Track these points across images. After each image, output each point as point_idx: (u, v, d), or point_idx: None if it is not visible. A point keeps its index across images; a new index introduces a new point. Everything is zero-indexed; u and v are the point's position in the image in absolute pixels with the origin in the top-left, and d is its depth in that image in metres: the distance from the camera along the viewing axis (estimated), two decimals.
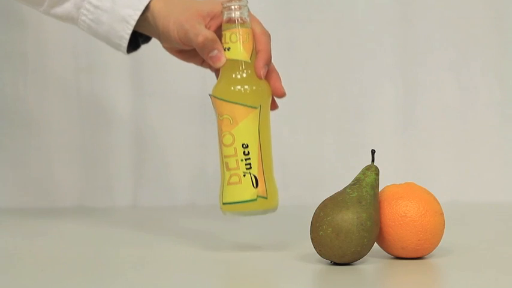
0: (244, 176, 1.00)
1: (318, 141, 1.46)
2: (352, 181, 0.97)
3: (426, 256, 0.99)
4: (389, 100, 1.46)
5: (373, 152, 0.98)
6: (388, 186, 1.00)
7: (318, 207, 0.96)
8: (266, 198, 1.00)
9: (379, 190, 0.99)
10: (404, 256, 0.98)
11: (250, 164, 1.00)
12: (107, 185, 1.46)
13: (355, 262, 0.96)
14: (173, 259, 1.02)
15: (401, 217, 0.96)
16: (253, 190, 1.00)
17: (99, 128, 1.46)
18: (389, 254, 0.99)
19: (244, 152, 1.00)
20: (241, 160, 1.00)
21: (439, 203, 0.99)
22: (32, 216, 1.36)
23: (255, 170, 1.00)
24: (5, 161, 1.45)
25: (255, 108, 1.00)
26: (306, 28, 1.46)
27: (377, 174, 0.97)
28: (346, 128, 1.46)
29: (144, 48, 1.12)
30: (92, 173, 1.46)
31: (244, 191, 1.00)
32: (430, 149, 1.46)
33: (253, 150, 1.00)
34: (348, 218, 0.93)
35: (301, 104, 1.46)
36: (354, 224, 0.93)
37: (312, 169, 1.46)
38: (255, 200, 1.00)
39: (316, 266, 0.95)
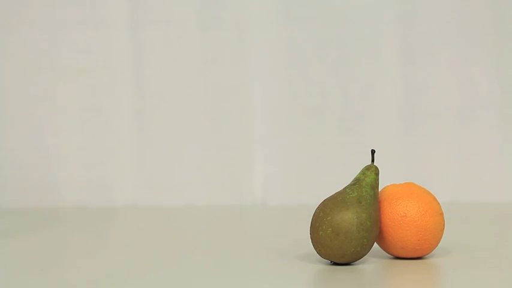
0: None
1: (318, 141, 1.46)
2: (352, 181, 0.97)
3: (426, 256, 0.99)
4: (390, 100, 1.46)
5: (373, 152, 0.99)
6: (388, 186, 1.00)
7: (317, 207, 0.96)
8: None
9: (379, 190, 0.99)
10: (404, 256, 0.98)
11: None
12: (107, 185, 1.46)
13: (355, 262, 0.96)
14: (173, 260, 1.02)
15: (401, 217, 0.96)
16: None
17: (99, 127, 1.46)
18: (389, 254, 0.99)
19: None
20: None
21: (439, 203, 0.99)
22: (32, 216, 1.36)
23: None
24: (5, 161, 1.45)
25: None
26: (306, 28, 1.46)
27: (377, 174, 0.97)
28: (346, 128, 1.46)
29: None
30: (92, 173, 1.46)
31: None
32: (430, 149, 1.46)
33: None
34: (348, 218, 0.93)
35: (301, 104, 1.46)
36: (354, 224, 0.93)
37: (312, 169, 1.46)
38: None
39: (316, 266, 0.95)
